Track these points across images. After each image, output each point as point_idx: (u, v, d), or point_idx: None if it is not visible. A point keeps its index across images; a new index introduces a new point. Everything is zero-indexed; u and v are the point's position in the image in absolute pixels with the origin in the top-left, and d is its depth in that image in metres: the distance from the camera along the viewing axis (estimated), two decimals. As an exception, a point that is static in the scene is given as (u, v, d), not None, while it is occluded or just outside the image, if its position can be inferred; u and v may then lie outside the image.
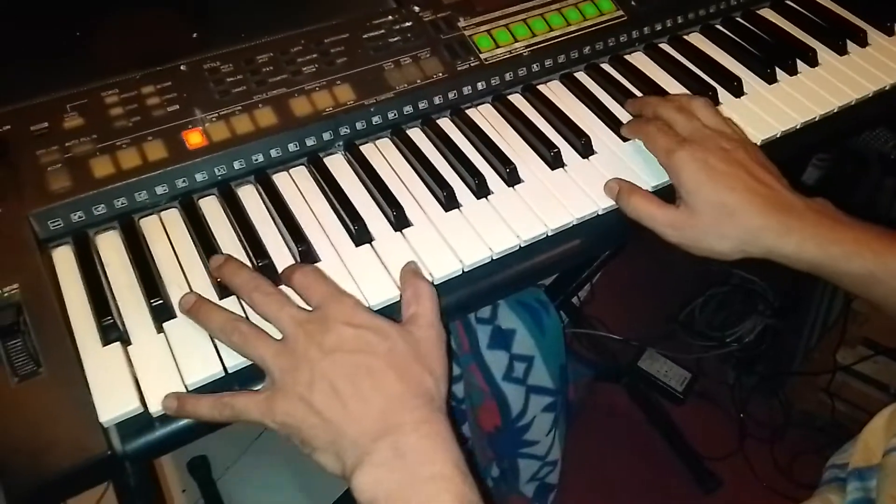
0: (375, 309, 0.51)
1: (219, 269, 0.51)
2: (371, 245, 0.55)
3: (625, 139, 0.65)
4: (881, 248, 0.53)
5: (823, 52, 0.75)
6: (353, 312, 0.47)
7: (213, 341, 0.48)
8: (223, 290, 0.51)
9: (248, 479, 1.34)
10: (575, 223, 0.58)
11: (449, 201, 0.58)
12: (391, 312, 0.52)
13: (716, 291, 1.52)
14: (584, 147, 0.63)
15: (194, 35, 0.62)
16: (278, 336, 0.47)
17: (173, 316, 0.50)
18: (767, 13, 0.80)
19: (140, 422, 0.46)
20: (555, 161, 0.62)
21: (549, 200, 0.59)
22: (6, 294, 0.48)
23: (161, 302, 0.49)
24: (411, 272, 0.52)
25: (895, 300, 0.54)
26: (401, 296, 0.51)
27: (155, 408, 0.46)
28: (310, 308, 0.48)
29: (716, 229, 0.54)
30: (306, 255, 0.53)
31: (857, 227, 0.54)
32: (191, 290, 0.51)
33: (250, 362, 0.48)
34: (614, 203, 0.59)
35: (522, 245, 0.56)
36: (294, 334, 0.46)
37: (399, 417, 0.43)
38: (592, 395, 1.42)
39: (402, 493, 0.41)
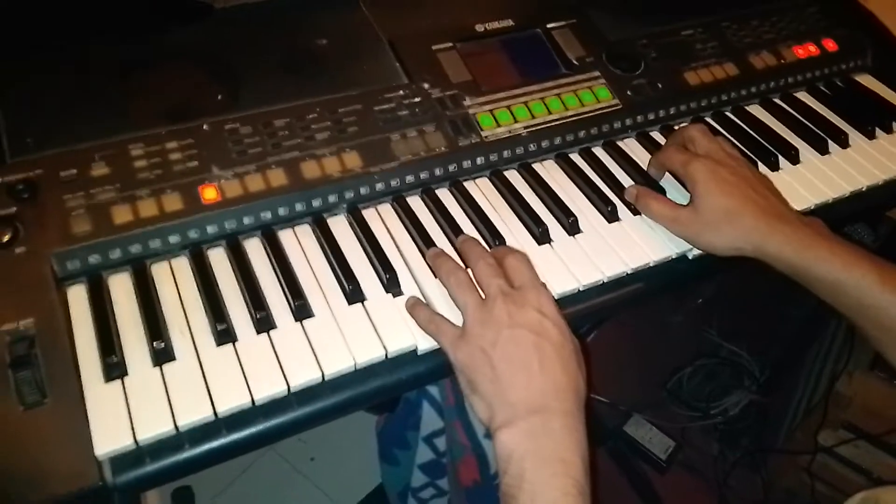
0: (360, 367, 0.55)
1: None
2: (363, 305, 0.59)
3: (611, 220, 0.69)
4: (851, 260, 0.60)
5: (805, 151, 0.80)
6: (546, 304, 0.55)
7: (206, 385, 0.52)
8: (221, 337, 0.55)
9: (230, 514, 1.36)
10: (556, 298, 0.62)
11: (440, 269, 0.61)
12: (377, 371, 0.56)
13: (705, 362, 1.54)
14: (572, 226, 0.67)
15: (219, 97, 0.68)
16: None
17: (172, 359, 0.53)
18: (756, 110, 0.85)
19: (132, 456, 0.49)
20: (542, 237, 0.66)
21: (533, 275, 0.63)
22: (22, 327, 0.52)
23: (163, 346, 0.53)
24: None
25: (857, 311, 0.61)
26: None
27: (146, 443, 0.49)
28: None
29: (715, 227, 0.63)
30: (302, 309, 0.57)
31: (834, 241, 0.62)
32: (192, 334, 0.56)
33: (235, 409, 0.52)
34: (596, 279, 0.64)
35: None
36: (495, 298, 0.55)
37: (553, 401, 0.51)
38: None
39: (535, 461, 0.49)
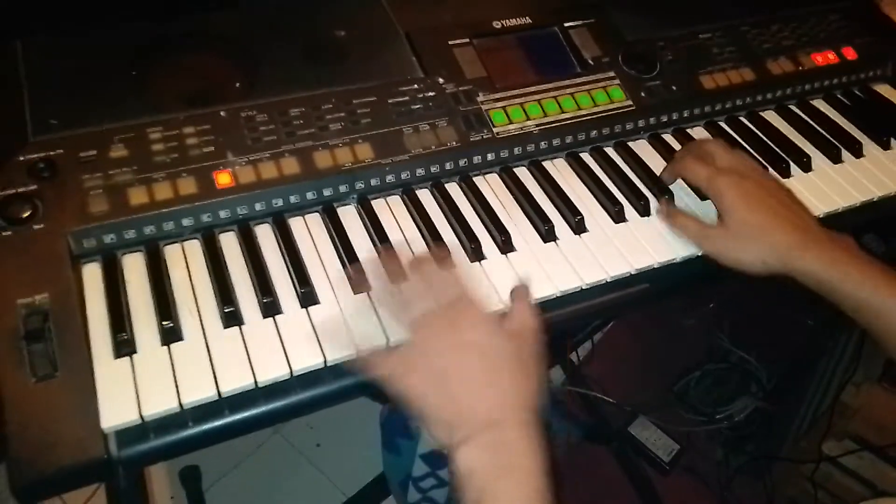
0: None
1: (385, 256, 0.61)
2: (368, 294, 0.60)
3: (617, 221, 0.70)
4: (880, 280, 0.60)
5: (818, 159, 0.79)
6: (479, 315, 0.55)
7: (212, 366, 0.53)
8: (228, 320, 0.56)
9: (237, 494, 1.38)
10: (558, 294, 0.63)
11: (445, 262, 0.62)
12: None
13: (713, 367, 1.54)
14: (578, 224, 0.68)
15: (237, 84, 0.69)
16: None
17: (180, 339, 0.55)
18: (770, 116, 0.84)
19: (137, 431, 0.51)
20: (548, 235, 0.67)
21: (537, 271, 0.63)
22: (37, 301, 0.54)
23: (171, 325, 0.55)
24: (525, 289, 0.60)
25: (882, 330, 0.61)
26: (511, 307, 0.59)
27: (151, 418, 0.51)
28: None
29: (743, 243, 0.64)
30: (308, 297, 0.59)
31: (863, 259, 0.62)
32: (200, 316, 0.57)
33: (239, 390, 0.53)
34: (599, 279, 0.64)
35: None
36: (430, 322, 0.54)
37: (506, 415, 0.51)
38: (579, 454, 1.45)
39: (495, 473, 0.49)
